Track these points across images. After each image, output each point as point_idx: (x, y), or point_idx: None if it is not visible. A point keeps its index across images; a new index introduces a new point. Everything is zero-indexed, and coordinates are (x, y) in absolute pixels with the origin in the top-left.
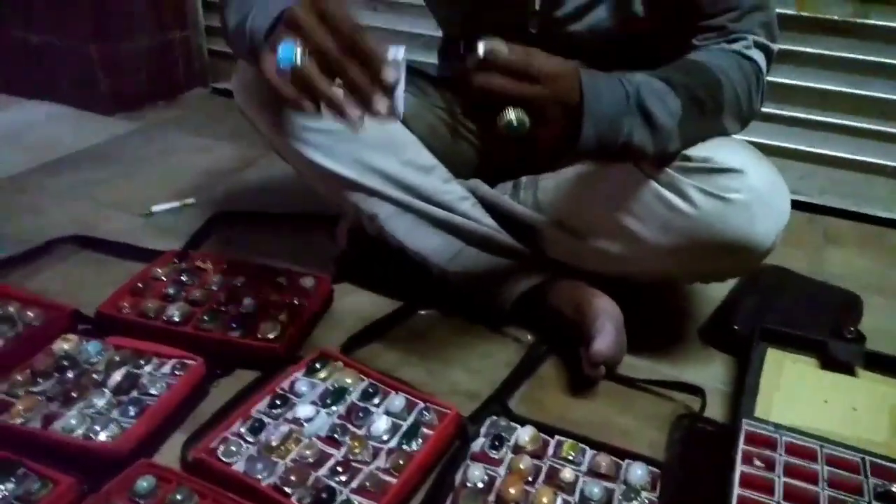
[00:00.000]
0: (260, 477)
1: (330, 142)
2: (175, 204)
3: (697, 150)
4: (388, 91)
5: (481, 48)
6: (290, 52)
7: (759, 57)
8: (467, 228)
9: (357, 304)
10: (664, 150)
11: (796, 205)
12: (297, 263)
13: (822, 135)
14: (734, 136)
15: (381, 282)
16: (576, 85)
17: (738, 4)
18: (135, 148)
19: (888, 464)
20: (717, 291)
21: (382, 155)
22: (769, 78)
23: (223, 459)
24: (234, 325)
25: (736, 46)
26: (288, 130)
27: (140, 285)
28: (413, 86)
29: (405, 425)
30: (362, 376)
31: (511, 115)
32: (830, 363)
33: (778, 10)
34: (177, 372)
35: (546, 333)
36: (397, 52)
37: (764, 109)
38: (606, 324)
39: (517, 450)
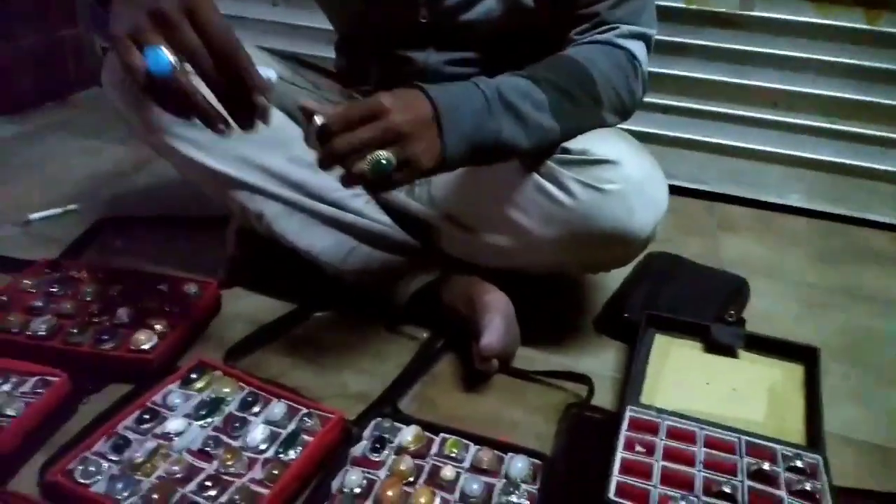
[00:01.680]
0: (119, 497)
1: (208, 138)
2: (56, 210)
3: (576, 143)
4: (261, 113)
5: (317, 120)
6: (163, 61)
7: (633, 45)
8: (359, 226)
9: (248, 309)
10: (541, 142)
11: (695, 193)
12: (188, 270)
13: (719, 125)
14: (620, 126)
15: (274, 284)
16: (422, 101)
17: None
18: (16, 152)
19: (763, 442)
20: (613, 281)
21: (267, 151)
22: (667, 70)
23: (80, 481)
24: (105, 338)
25: (608, 36)
26: (163, 126)
27: (4, 298)
28: (306, 80)
29: (284, 433)
30: (242, 385)
31: (371, 158)
32: (713, 346)
33: (669, 4)
34: (38, 390)
35: (441, 330)
36: (269, 74)
37: (662, 101)
38: (496, 318)
39: (400, 451)
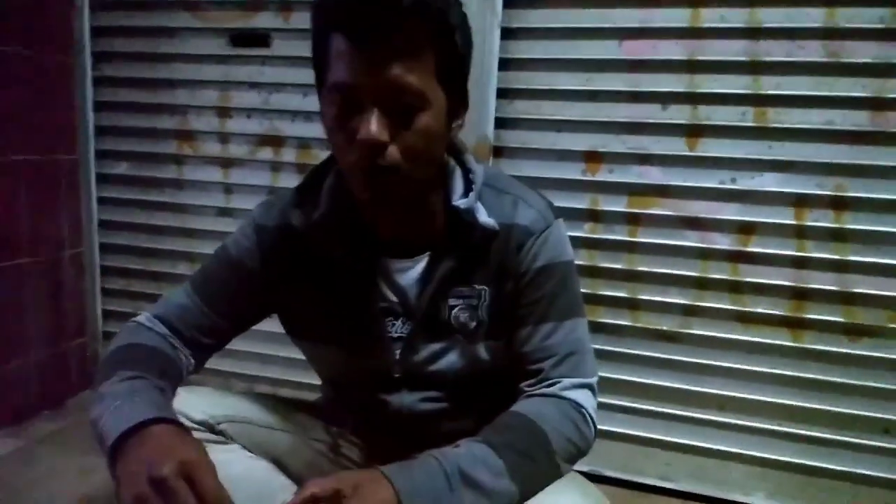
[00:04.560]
0: None
1: None
2: None
3: (540, 501)
4: None
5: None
6: None
7: (578, 395)
8: None
9: None
10: None
11: (664, 491)
12: None
13: (679, 425)
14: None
15: None
16: (382, 486)
17: (556, 352)
18: (14, 474)
19: None
20: None
21: None
22: (623, 377)
23: None
24: None
25: (554, 390)
26: None
27: None
28: (291, 421)
29: None
30: None
31: None
32: None
33: (616, 322)
34: None
35: None
36: None
37: (621, 402)
38: None
39: None
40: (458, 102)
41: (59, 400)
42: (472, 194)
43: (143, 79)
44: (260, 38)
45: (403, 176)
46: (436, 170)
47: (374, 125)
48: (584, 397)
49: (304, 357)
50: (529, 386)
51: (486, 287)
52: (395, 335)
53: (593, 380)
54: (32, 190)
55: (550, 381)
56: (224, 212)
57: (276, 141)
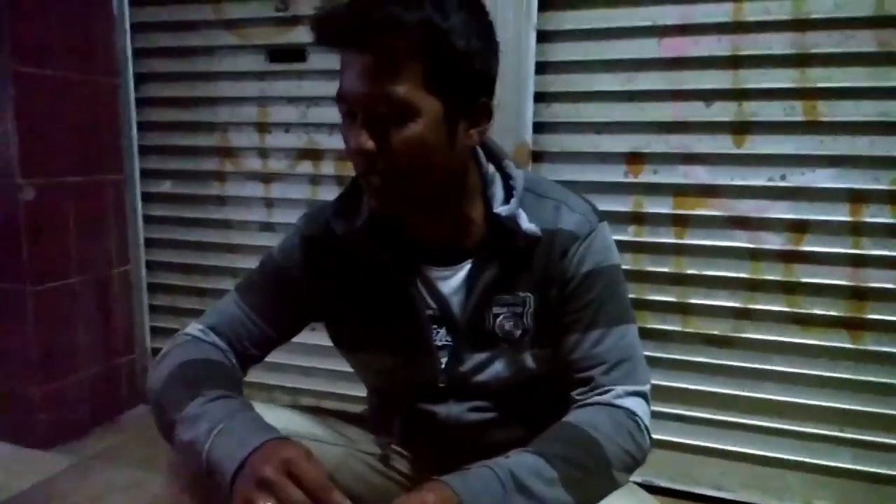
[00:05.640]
0: None
1: None
2: None
3: None
4: None
5: None
6: None
7: (631, 403)
8: None
9: None
10: None
11: (720, 501)
12: None
13: (733, 433)
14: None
15: None
16: (445, 491)
17: (606, 359)
18: (70, 490)
19: None
20: None
21: None
22: (673, 384)
23: None
24: None
25: (606, 398)
26: None
27: None
28: (340, 434)
29: None
30: None
31: None
32: None
33: (665, 327)
34: None
35: None
36: None
37: (674, 411)
38: None
39: None
40: (464, 108)
41: (111, 416)
42: (513, 200)
43: (183, 98)
44: (296, 52)
45: (400, 185)
46: (442, 178)
47: (360, 136)
48: (637, 405)
49: (347, 369)
50: (580, 394)
51: (530, 294)
52: (440, 343)
53: (646, 387)
54: (81, 210)
55: (602, 390)
56: (266, 226)
57: (314, 154)
